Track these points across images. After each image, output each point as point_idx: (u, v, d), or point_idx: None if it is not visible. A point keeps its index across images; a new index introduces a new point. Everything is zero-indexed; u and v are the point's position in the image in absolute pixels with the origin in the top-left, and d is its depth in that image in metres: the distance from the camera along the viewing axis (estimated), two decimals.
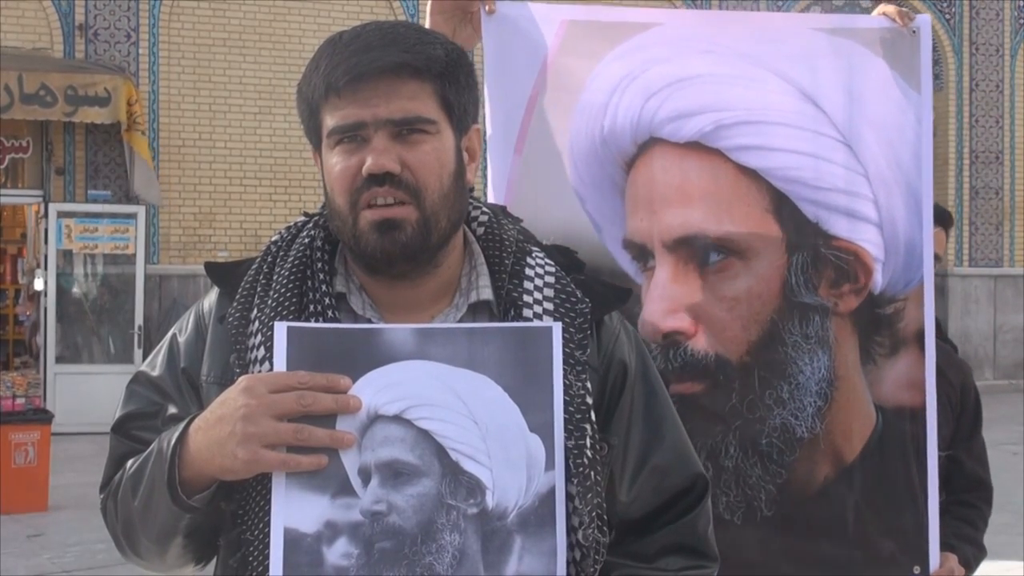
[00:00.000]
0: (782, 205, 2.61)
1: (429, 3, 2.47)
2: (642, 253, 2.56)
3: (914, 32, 2.70)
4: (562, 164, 2.57)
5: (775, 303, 2.59)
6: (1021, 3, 17.58)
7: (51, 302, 13.10)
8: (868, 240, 2.65)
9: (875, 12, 2.76)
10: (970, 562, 2.91)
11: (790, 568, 2.57)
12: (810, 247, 2.61)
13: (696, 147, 2.58)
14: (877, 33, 2.70)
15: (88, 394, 12.51)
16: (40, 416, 9.53)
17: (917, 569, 2.63)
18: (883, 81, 2.68)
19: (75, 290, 13.31)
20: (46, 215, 13.14)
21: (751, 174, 2.60)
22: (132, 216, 13.37)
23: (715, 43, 2.65)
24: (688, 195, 2.57)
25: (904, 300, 2.67)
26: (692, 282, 2.55)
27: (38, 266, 13.51)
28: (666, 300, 2.51)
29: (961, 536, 2.91)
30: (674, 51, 2.62)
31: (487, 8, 2.50)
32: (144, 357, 12.34)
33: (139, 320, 13.24)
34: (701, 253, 2.57)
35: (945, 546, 2.78)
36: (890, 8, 2.73)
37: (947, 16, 17.21)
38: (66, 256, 13.25)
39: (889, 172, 2.66)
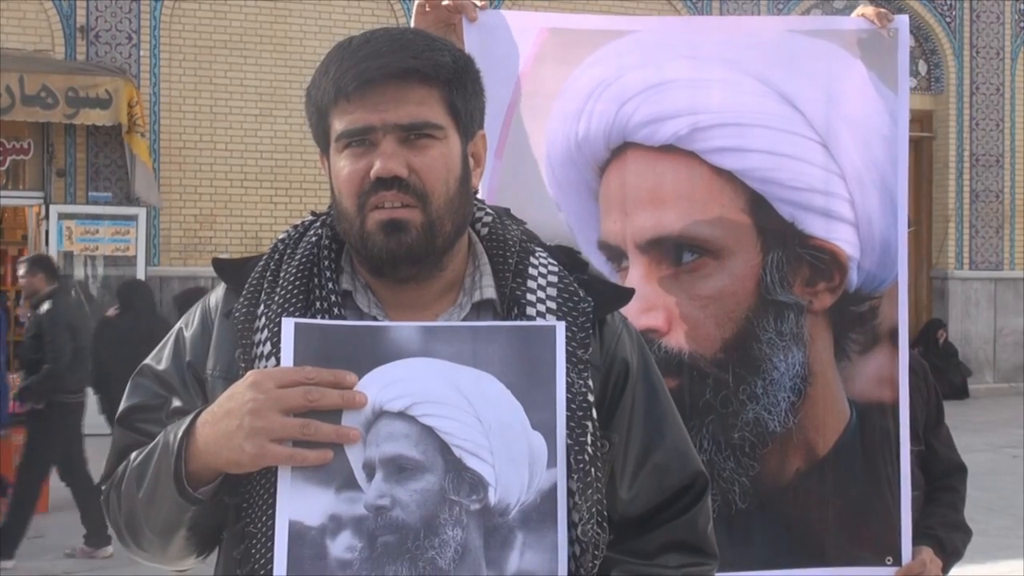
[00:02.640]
0: (758, 205, 2.66)
1: (413, 17, 2.51)
2: (616, 254, 2.63)
3: (892, 34, 2.74)
4: (540, 169, 2.61)
5: (750, 301, 2.65)
6: (1022, 6, 17.59)
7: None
8: (844, 239, 2.70)
9: (854, 14, 2.80)
10: (958, 548, 2.97)
11: (766, 560, 2.62)
12: (785, 246, 2.66)
13: (671, 150, 2.64)
14: (855, 35, 2.74)
15: (88, 395, 12.48)
16: None
17: (889, 560, 2.69)
18: (860, 82, 2.73)
19: (76, 291, 13.30)
20: (47, 217, 13.14)
21: (727, 175, 2.65)
22: (133, 218, 13.37)
23: (691, 48, 2.70)
24: (661, 197, 2.63)
25: (879, 298, 2.73)
26: (665, 281, 2.61)
27: None
28: (640, 299, 2.57)
29: (948, 523, 2.98)
30: (649, 57, 2.67)
31: (469, 17, 2.53)
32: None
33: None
34: (673, 253, 2.63)
35: (933, 538, 2.84)
36: (868, 10, 2.77)
37: (948, 19, 17.23)
38: (67, 258, 13.24)
39: (865, 172, 2.71)
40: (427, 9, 2.51)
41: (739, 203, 2.66)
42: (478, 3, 2.58)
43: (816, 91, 2.70)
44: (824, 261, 2.70)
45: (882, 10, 2.78)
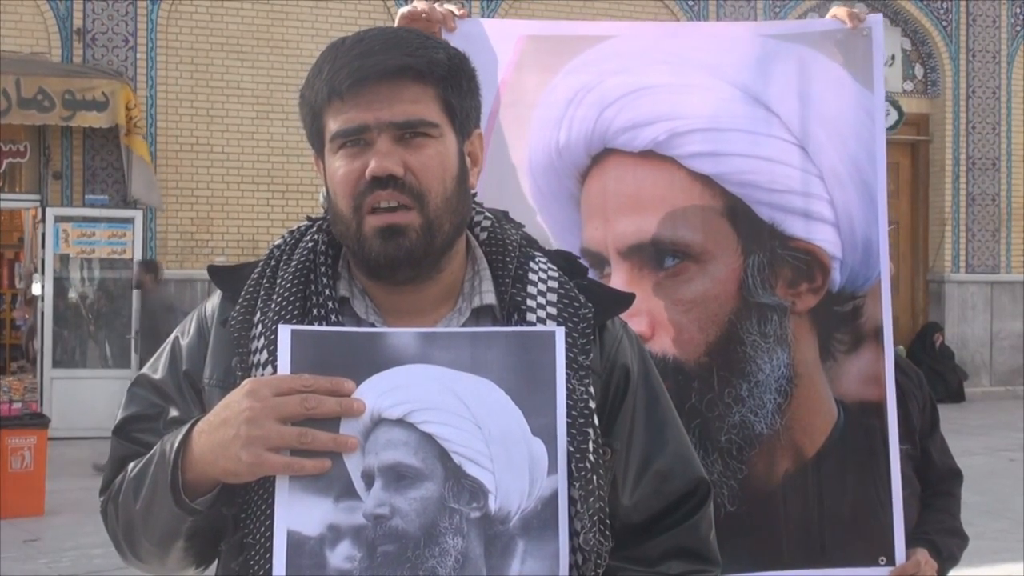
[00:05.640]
0: (737, 209, 2.68)
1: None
2: (598, 261, 2.65)
3: (866, 33, 2.75)
4: (522, 177, 2.62)
5: (732, 304, 2.66)
6: (1018, 9, 17.61)
7: (48, 306, 13.08)
8: (825, 239, 2.72)
9: (828, 15, 2.82)
10: (954, 553, 2.97)
11: (758, 562, 2.62)
12: (766, 249, 2.68)
13: (650, 156, 2.66)
14: (829, 36, 2.77)
15: (85, 399, 12.50)
16: (37, 421, 9.51)
17: (883, 560, 2.69)
18: (835, 82, 2.75)
19: (72, 294, 13.30)
20: (43, 219, 13.12)
21: (705, 180, 2.67)
22: (129, 220, 13.36)
23: (669, 53, 2.72)
24: (641, 203, 2.64)
25: (863, 297, 2.74)
26: (647, 287, 2.63)
27: (35, 270, 13.50)
28: None
29: (944, 529, 2.97)
30: (629, 62, 2.69)
31: (447, 26, 2.54)
32: (141, 362, 12.44)
33: (135, 325, 13.21)
34: (655, 258, 2.65)
35: (929, 543, 2.84)
36: (841, 11, 2.80)
37: (944, 23, 17.24)
38: (63, 260, 13.23)
39: (844, 171, 2.73)
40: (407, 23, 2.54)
41: (718, 207, 2.67)
42: (456, 12, 2.59)
43: (791, 93, 2.72)
44: (805, 262, 2.71)
45: (854, 10, 2.80)
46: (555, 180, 2.65)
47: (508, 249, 1.70)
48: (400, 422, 1.50)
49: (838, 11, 2.80)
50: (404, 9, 2.57)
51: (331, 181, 1.62)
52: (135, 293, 11.93)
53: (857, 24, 2.75)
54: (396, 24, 2.54)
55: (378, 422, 1.49)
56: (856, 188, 2.73)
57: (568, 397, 1.56)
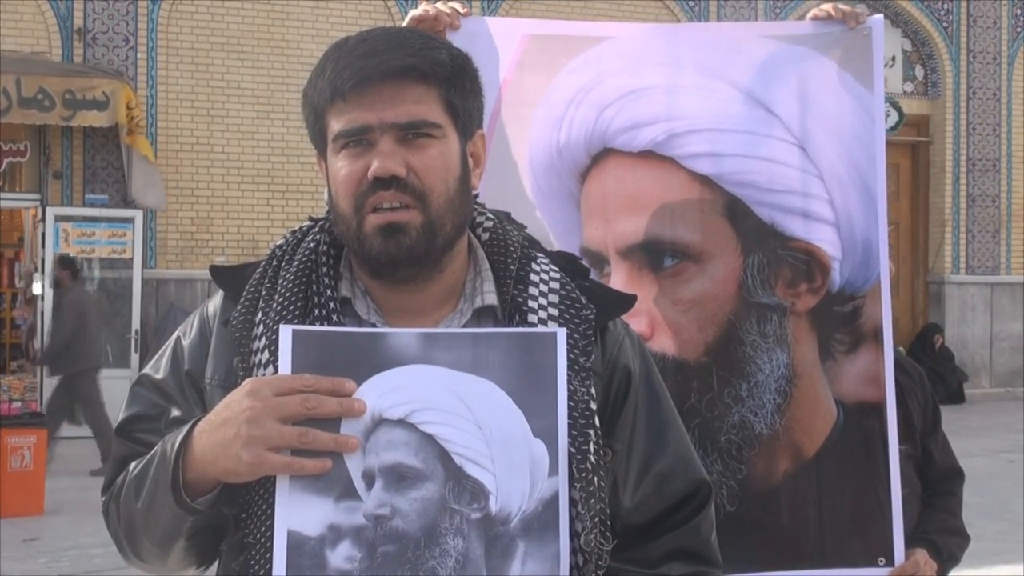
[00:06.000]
0: (736, 209, 2.68)
1: None
2: (598, 260, 2.65)
3: (866, 34, 2.76)
4: (523, 177, 2.63)
5: (732, 304, 2.66)
6: (1019, 11, 17.61)
7: (48, 306, 13.07)
8: (824, 240, 2.72)
9: (822, 12, 2.81)
10: (955, 553, 2.97)
11: (757, 562, 2.62)
12: (766, 249, 2.68)
13: (649, 156, 2.66)
14: (829, 36, 2.77)
15: None
16: (36, 420, 9.52)
17: (882, 561, 2.69)
18: (835, 83, 2.75)
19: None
20: (43, 219, 13.12)
21: (704, 180, 2.67)
22: (129, 220, 13.36)
23: (668, 54, 2.73)
24: (641, 203, 2.65)
25: (863, 297, 2.74)
26: (647, 287, 2.63)
27: (35, 270, 13.49)
28: None
29: (945, 529, 2.97)
30: (628, 63, 2.70)
31: (452, 25, 2.56)
32: (141, 361, 12.38)
33: (136, 324, 13.21)
34: (655, 258, 2.65)
35: (929, 543, 2.84)
36: (844, 9, 2.79)
37: (944, 24, 17.24)
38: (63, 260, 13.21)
39: (844, 172, 2.73)
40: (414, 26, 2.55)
41: (717, 207, 2.68)
42: (461, 11, 2.60)
43: (791, 94, 2.72)
44: (805, 262, 2.71)
45: (854, 10, 2.80)
46: (556, 180, 2.66)
47: (510, 250, 1.70)
48: (401, 423, 1.50)
49: (843, 9, 2.81)
50: (414, 12, 2.59)
51: (333, 181, 1.63)
52: (53, 291, 12.08)
53: (854, 24, 2.76)
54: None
55: (379, 422, 1.49)
56: (856, 188, 2.73)
57: (569, 398, 1.56)
